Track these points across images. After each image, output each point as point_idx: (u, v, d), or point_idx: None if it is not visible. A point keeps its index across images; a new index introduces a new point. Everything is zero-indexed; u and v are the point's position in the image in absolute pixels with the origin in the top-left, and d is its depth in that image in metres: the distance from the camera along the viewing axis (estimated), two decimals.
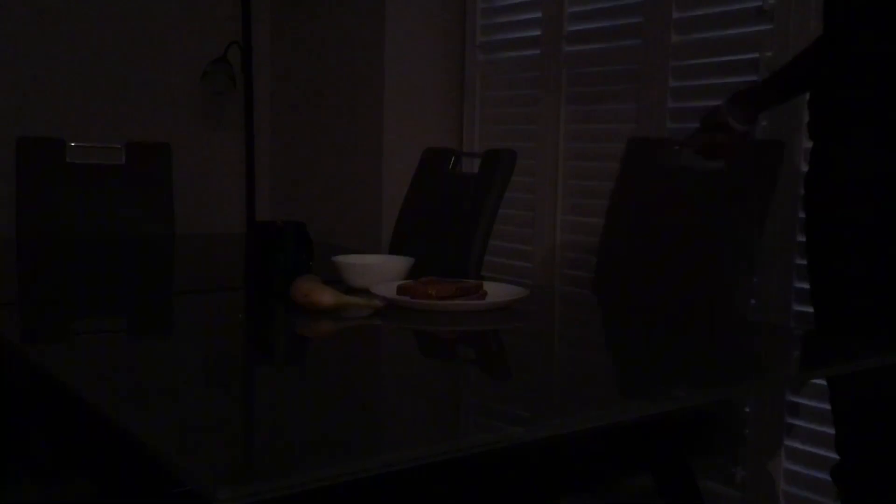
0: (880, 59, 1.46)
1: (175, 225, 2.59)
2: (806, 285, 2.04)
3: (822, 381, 2.07)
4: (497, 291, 1.45)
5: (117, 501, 1.36)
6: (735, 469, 2.17)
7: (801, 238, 1.86)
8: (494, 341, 1.36)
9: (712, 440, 1.55)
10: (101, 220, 2.50)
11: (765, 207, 1.70)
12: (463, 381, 1.15)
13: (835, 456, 2.05)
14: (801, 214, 1.73)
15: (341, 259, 1.58)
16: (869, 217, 1.47)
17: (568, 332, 1.53)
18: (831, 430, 2.06)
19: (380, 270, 1.55)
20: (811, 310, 2.06)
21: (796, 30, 2.07)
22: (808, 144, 2.10)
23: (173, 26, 3.36)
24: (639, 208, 1.93)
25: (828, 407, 2.06)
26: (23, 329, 1.36)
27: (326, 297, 1.35)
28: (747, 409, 2.16)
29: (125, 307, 1.52)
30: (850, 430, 1.52)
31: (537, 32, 2.70)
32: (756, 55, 2.15)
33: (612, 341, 1.39)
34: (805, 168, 1.74)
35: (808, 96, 1.68)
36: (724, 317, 1.52)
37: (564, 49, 2.61)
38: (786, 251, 2.00)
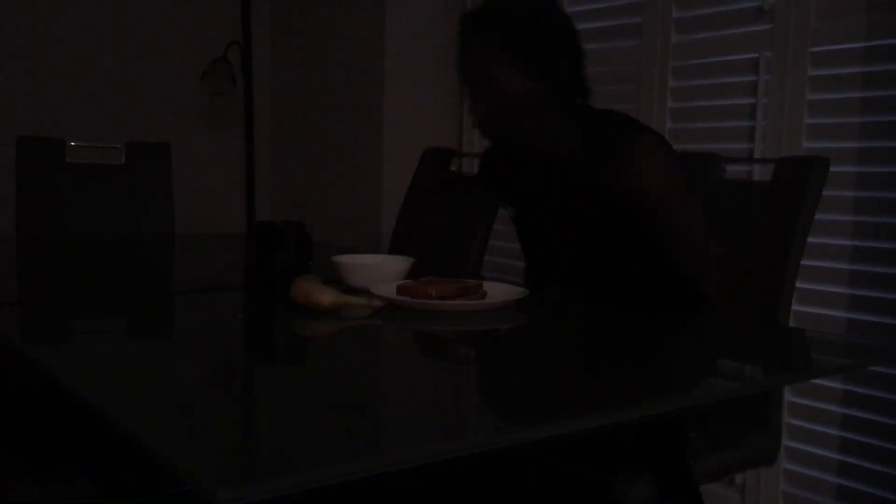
0: None
1: (175, 225, 2.59)
2: (806, 285, 2.04)
3: (822, 382, 2.07)
4: (497, 291, 1.45)
5: (117, 501, 1.36)
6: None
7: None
8: (494, 341, 1.36)
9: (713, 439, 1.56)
10: (101, 220, 2.50)
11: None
12: (463, 381, 1.14)
13: (835, 456, 2.06)
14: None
15: (341, 259, 1.58)
16: None
17: (568, 332, 1.52)
18: (831, 431, 2.07)
19: (380, 270, 1.55)
20: (810, 310, 2.07)
21: (796, 30, 2.07)
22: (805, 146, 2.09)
23: (173, 26, 3.37)
24: None
25: (828, 407, 2.07)
26: (23, 329, 1.35)
27: (326, 297, 1.35)
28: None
29: (125, 307, 1.52)
30: None
31: None
32: (756, 55, 2.15)
33: (612, 341, 1.39)
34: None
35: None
36: (724, 317, 1.52)
37: None
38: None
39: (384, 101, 2.98)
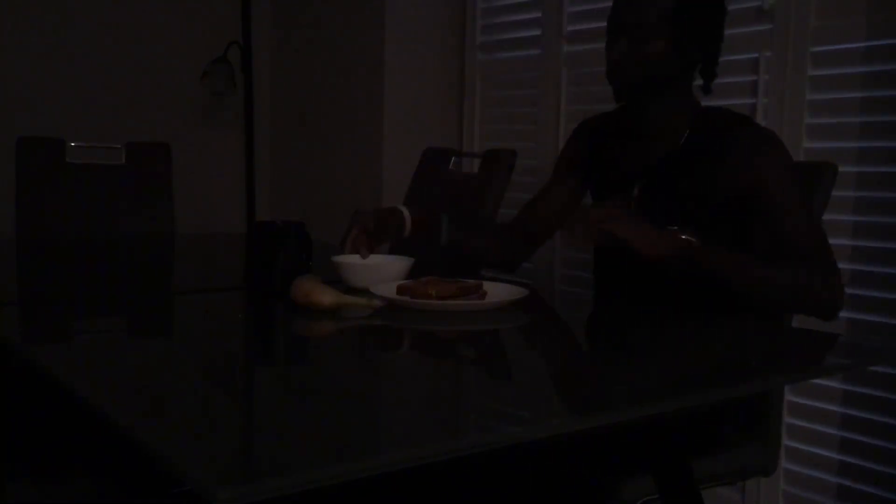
0: None
1: (175, 225, 2.59)
2: None
3: (822, 382, 2.07)
4: (497, 291, 1.45)
5: (117, 501, 1.36)
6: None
7: None
8: (494, 341, 1.36)
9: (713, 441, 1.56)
10: (101, 220, 2.50)
11: None
12: (463, 381, 1.14)
13: (835, 456, 2.06)
14: None
15: (341, 259, 1.58)
16: None
17: (568, 332, 1.52)
18: (831, 430, 2.06)
19: (380, 270, 1.55)
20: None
21: (796, 30, 2.07)
22: (807, 145, 2.09)
23: (173, 26, 3.37)
24: None
25: (828, 407, 2.07)
26: (23, 329, 1.35)
27: (326, 297, 1.35)
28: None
29: (125, 307, 1.52)
30: None
31: (537, 32, 2.70)
32: (756, 55, 2.15)
33: (612, 341, 1.39)
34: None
35: None
36: (723, 317, 1.52)
37: (564, 49, 2.61)
38: None
39: (384, 101, 2.98)
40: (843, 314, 2.01)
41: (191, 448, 0.80)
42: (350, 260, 1.60)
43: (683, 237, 1.46)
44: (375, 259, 1.66)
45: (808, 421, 2.10)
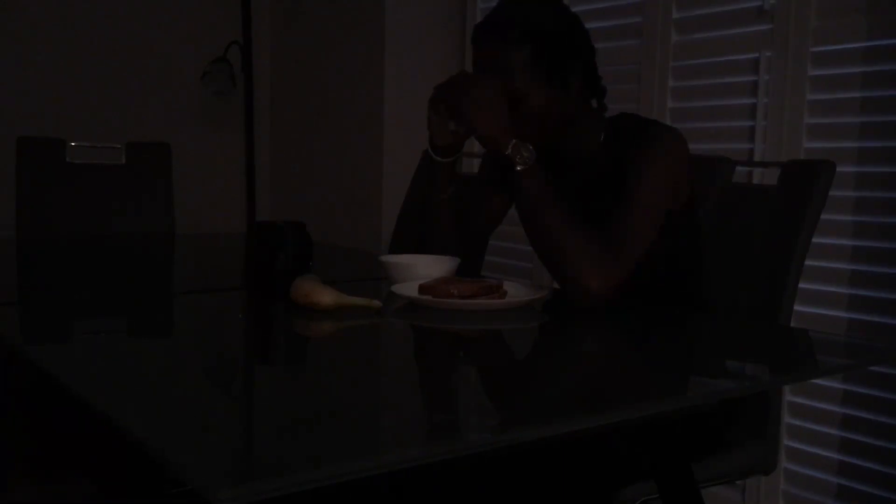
0: None
1: (175, 225, 2.59)
2: (807, 285, 2.04)
3: (822, 382, 2.07)
4: (517, 291, 1.45)
5: (117, 501, 1.36)
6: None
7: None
8: (507, 341, 1.36)
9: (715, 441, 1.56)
10: (101, 220, 2.50)
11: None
12: (462, 381, 1.14)
13: (835, 456, 2.06)
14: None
15: (388, 259, 1.58)
16: None
17: (582, 331, 1.52)
18: (831, 430, 2.07)
19: (427, 269, 1.52)
20: (810, 310, 2.07)
21: (796, 30, 2.07)
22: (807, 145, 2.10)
23: (173, 26, 3.37)
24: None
25: (828, 407, 2.07)
26: (23, 329, 1.35)
27: (326, 297, 1.35)
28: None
29: (125, 307, 1.52)
30: None
31: None
32: (756, 55, 2.15)
33: (614, 342, 1.39)
34: None
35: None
36: (725, 319, 1.52)
37: None
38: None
39: (384, 101, 2.98)
40: (843, 314, 2.01)
41: (191, 448, 0.80)
42: (397, 259, 1.59)
43: (522, 149, 1.46)
44: (422, 258, 1.64)
45: (808, 421, 2.10)
